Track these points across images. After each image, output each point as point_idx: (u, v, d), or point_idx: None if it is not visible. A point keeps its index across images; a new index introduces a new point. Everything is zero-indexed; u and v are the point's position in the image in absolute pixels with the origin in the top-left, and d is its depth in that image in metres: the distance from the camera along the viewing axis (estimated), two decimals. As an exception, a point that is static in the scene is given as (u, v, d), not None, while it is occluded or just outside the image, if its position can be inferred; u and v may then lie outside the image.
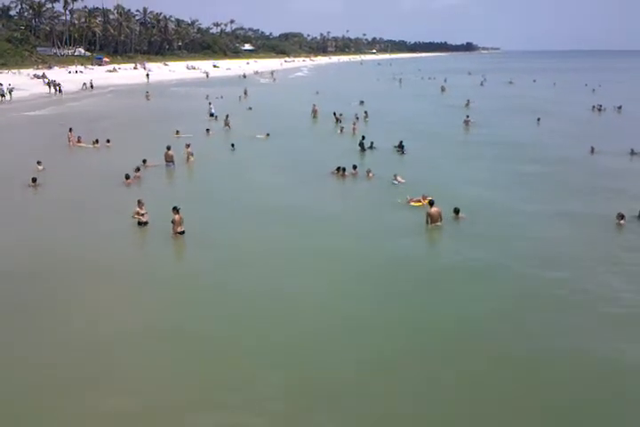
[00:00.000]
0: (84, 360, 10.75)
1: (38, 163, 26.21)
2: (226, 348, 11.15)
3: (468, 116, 42.87)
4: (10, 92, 60.85)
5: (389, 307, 12.86)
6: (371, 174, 25.11)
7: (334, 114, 43.82)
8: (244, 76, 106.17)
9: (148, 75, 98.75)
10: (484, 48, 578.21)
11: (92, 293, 13.63)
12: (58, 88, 68.32)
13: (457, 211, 18.71)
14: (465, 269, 14.99)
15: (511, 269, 14.94)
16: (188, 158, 28.26)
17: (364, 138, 32.12)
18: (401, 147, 31.52)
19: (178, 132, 36.08)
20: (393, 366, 10.60)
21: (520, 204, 21.14)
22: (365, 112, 45.57)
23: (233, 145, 32.11)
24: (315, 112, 47.44)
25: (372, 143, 31.94)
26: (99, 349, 11.15)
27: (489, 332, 11.87)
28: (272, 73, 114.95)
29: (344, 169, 25.26)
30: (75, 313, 12.64)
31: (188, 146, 28.60)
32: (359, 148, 31.56)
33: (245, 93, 66.61)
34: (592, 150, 30.96)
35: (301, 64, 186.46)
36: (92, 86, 72.85)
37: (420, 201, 20.59)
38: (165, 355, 10.90)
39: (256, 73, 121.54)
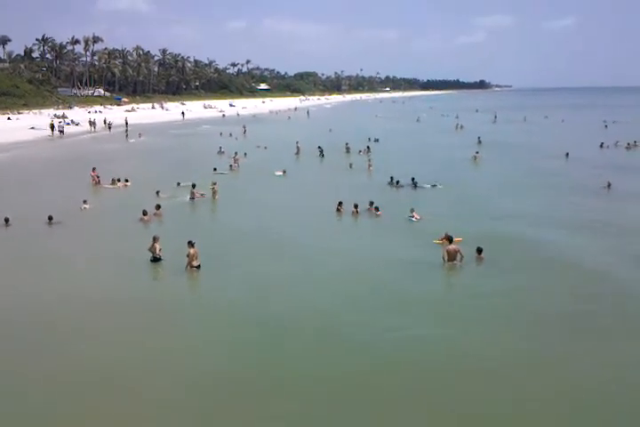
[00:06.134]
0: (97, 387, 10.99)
1: (84, 202, 26.62)
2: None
3: (477, 152, 44.68)
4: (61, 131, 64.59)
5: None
6: (379, 212, 24.98)
7: (319, 148, 46.56)
8: (253, 116, 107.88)
9: (183, 113, 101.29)
10: (497, 85, 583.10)
11: (107, 325, 13.81)
12: (94, 126, 71.60)
13: (480, 250, 17.80)
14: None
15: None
16: (214, 195, 28.78)
17: (392, 179, 32.37)
18: (415, 183, 31.77)
19: (215, 169, 36.74)
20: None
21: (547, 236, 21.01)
22: (368, 147, 48.58)
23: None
24: (297, 149, 48.08)
25: (397, 181, 32.09)
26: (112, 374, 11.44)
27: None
28: (278, 111, 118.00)
29: (356, 206, 25.09)
30: (88, 343, 12.88)
31: (214, 183, 29.16)
32: (390, 183, 32.19)
33: (244, 132, 68.06)
34: (608, 185, 31.06)
35: (317, 102, 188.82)
36: (109, 126, 73.22)
37: (442, 240, 20.39)
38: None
39: (271, 112, 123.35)
